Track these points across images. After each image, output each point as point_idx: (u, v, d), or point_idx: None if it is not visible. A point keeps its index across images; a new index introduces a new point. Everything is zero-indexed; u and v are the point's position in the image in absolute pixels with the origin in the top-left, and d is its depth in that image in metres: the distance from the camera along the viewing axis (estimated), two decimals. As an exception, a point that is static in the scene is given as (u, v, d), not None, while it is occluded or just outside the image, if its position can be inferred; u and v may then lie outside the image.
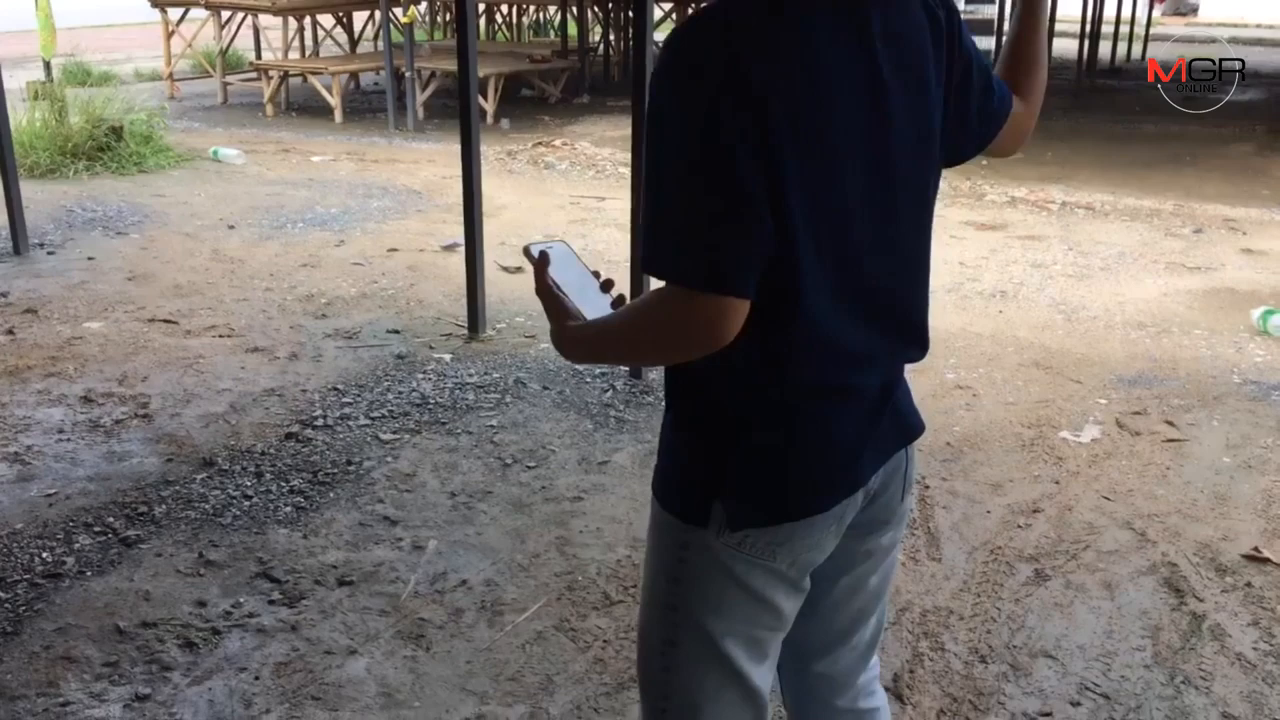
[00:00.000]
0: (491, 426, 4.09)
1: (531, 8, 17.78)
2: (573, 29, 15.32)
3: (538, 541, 3.30)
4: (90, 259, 6.19)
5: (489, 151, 9.35)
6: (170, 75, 12.97)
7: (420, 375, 4.57)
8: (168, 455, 3.80)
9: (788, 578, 1.49)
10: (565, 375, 4.60)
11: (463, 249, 5.45)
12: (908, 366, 1.56)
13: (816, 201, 1.32)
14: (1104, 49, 16.13)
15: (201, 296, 5.58)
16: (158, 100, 11.52)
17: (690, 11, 1.14)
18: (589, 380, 4.54)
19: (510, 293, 5.65)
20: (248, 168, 8.99)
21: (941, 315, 5.33)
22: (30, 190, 7.47)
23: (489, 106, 11.14)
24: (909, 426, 1.57)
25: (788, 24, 1.29)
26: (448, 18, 16.65)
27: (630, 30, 15.80)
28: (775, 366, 1.39)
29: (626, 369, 4.58)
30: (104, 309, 5.32)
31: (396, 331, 5.09)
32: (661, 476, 1.53)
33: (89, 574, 3.08)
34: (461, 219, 6.94)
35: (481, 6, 15.98)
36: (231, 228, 6.99)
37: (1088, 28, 14.39)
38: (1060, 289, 5.83)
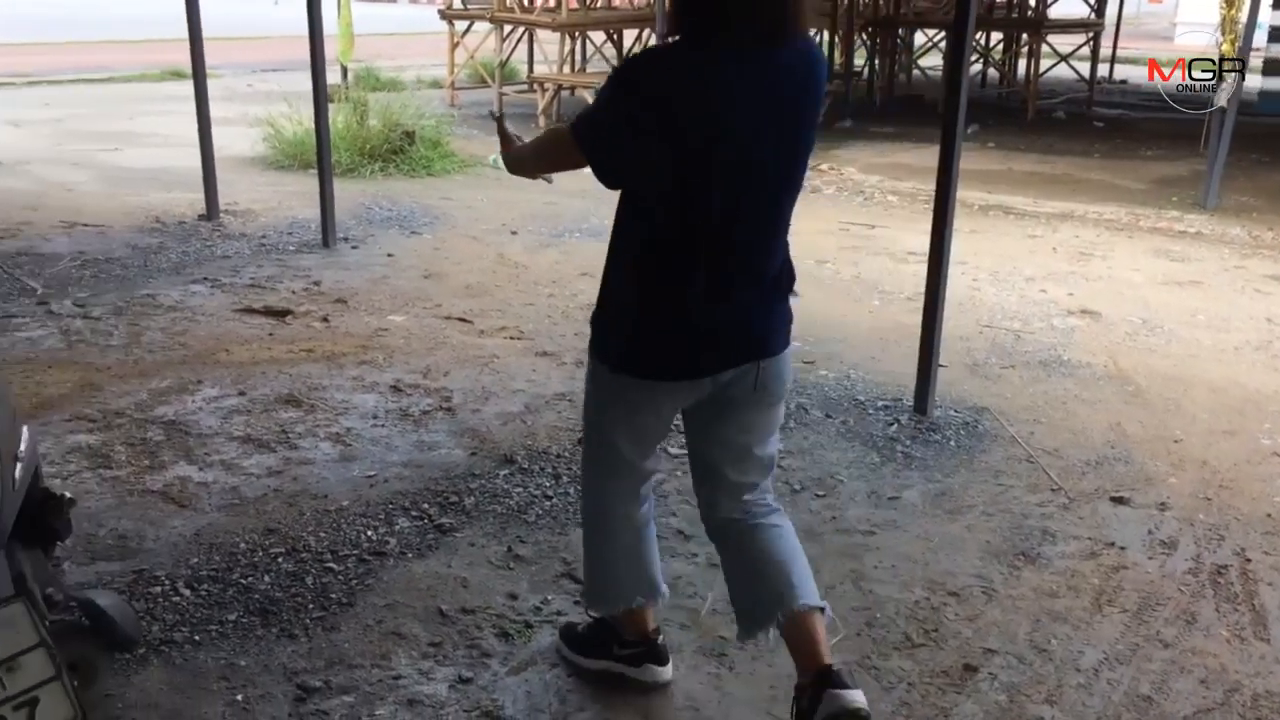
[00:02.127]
0: (777, 450, 4.09)
1: (794, 30, 17.79)
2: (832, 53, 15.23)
3: (831, 573, 3.28)
4: (389, 255, 6.60)
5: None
6: (452, 84, 13.69)
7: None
8: (471, 449, 4.00)
9: (648, 419, 2.41)
10: (847, 404, 4.56)
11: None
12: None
13: (708, 167, 2.14)
14: None
15: (490, 298, 5.85)
16: (440, 107, 12.17)
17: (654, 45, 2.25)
18: (871, 412, 4.48)
19: (786, 316, 5.64)
20: (524, 176, 9.36)
21: (1250, 374, 4.98)
22: (334, 187, 8.04)
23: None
24: (761, 344, 2.31)
25: (702, 58, 2.12)
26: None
27: (895, 57, 15.59)
28: (659, 268, 2.24)
29: (911, 406, 4.50)
30: (405, 304, 5.65)
31: (676, 347, 5.17)
32: (592, 328, 2.41)
33: (410, 556, 3.27)
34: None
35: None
36: (514, 233, 7.31)
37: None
38: (1387, 356, 5.34)
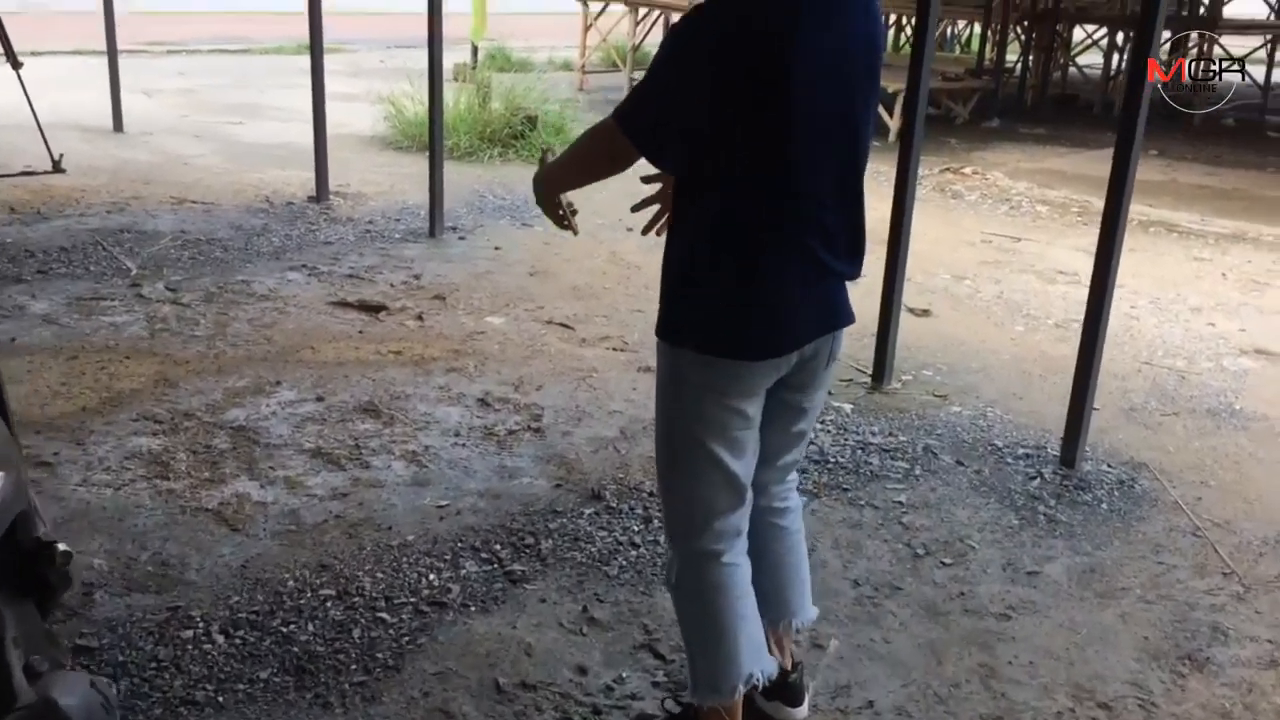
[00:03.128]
0: (899, 503, 3.61)
1: (942, 21, 16.97)
2: (973, 46, 14.43)
3: (957, 665, 2.79)
4: (496, 249, 6.28)
5: (889, 172, 8.77)
6: (583, 68, 13.37)
7: (819, 426, 4.16)
8: (557, 480, 3.62)
9: (741, 408, 2.10)
10: (982, 450, 4.03)
11: (866, 280, 4.98)
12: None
13: (795, 117, 1.93)
14: None
15: (598, 301, 5.47)
16: (568, 91, 11.85)
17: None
18: (1010, 461, 3.95)
19: (917, 340, 5.12)
20: (647, 167, 8.97)
21: None
22: (447, 172, 7.72)
23: (892, 124, 10.59)
24: (839, 314, 2.16)
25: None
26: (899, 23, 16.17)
27: (1050, 53, 14.68)
28: (743, 241, 2.01)
29: (1056, 456, 3.96)
30: (506, 303, 5.31)
31: (793, 369, 4.71)
32: (661, 312, 2.13)
33: (472, 609, 2.90)
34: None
35: (891, 17, 15.42)
36: (630, 230, 6.90)
37: None
38: None
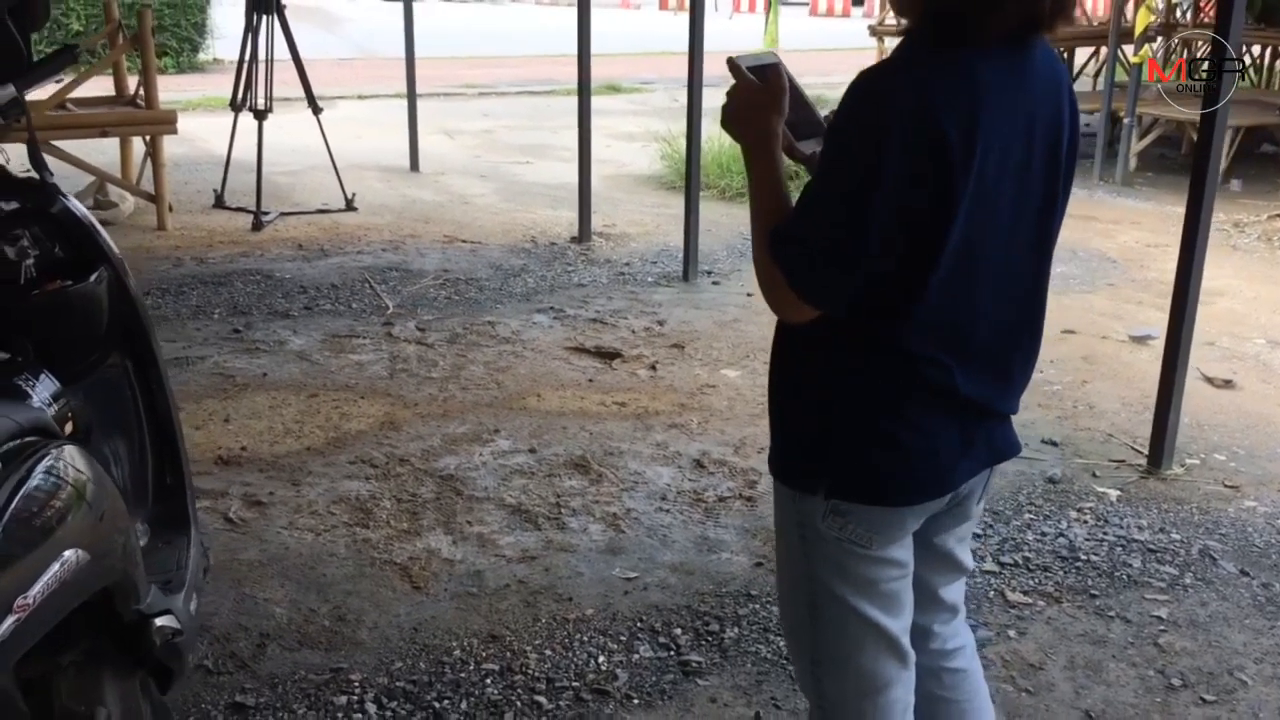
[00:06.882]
0: (1158, 618, 3.07)
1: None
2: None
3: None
4: (749, 295, 6.04)
5: (1211, 219, 7.79)
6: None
7: (1073, 513, 3.65)
8: (759, 558, 3.33)
9: (890, 556, 1.72)
10: (1276, 559, 3.39)
11: (1158, 343, 4.41)
12: None
13: (969, 231, 1.55)
14: None
15: (845, 356, 5.11)
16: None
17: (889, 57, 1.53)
18: (1312, 575, 3.29)
19: (1211, 416, 4.44)
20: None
21: None
22: (716, 212, 7.66)
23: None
24: (1002, 449, 1.78)
25: (966, 71, 1.50)
26: (1185, 54, 14.82)
27: None
28: (895, 367, 1.62)
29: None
30: (745, 355, 5.07)
31: (1054, 443, 4.18)
32: (777, 447, 1.76)
33: (635, 701, 2.67)
34: (1163, 302, 5.78)
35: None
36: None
37: None
38: None
